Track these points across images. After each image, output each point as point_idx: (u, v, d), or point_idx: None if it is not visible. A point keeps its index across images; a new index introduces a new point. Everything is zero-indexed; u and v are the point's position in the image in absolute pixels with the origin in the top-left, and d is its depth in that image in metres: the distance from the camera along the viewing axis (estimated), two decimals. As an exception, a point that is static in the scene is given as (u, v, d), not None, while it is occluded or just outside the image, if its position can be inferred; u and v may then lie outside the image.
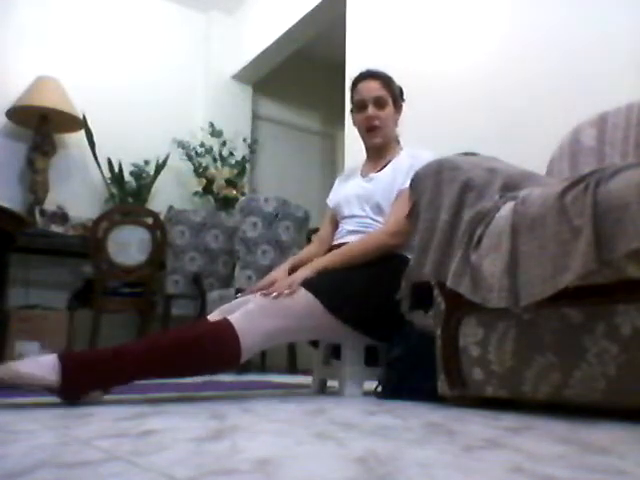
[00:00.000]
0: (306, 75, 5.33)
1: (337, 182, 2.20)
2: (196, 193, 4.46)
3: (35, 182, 3.78)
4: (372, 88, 1.94)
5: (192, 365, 1.47)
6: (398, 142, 2.07)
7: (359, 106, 1.97)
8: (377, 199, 1.92)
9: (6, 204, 2.75)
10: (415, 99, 3.01)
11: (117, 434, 0.90)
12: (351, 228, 1.95)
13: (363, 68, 2.04)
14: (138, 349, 1.42)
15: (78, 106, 3.94)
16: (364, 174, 2.05)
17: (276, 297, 1.61)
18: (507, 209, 1.31)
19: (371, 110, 1.93)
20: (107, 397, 1.44)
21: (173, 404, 1.41)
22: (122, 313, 3.74)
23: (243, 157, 4.60)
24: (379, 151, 2.02)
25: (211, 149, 4.50)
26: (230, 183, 4.41)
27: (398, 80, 2.03)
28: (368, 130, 1.96)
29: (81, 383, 1.34)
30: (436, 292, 1.48)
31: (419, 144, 2.62)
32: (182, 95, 4.74)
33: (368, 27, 3.47)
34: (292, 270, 1.88)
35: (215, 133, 4.53)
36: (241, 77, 4.92)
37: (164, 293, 3.70)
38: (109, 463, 0.68)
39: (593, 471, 0.67)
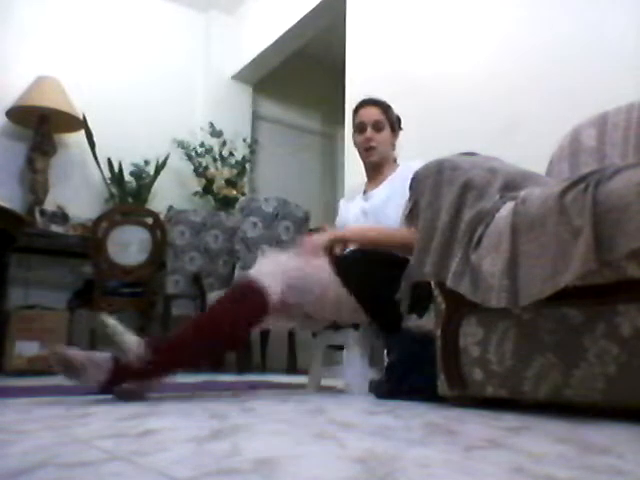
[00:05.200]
0: (306, 75, 5.33)
1: (342, 204, 2.29)
2: (196, 193, 4.46)
3: (35, 182, 3.78)
4: (372, 113, 2.11)
5: (231, 324, 1.56)
6: (395, 161, 2.18)
7: (359, 128, 2.13)
8: (373, 216, 2.02)
9: (6, 204, 2.75)
10: (414, 99, 3.02)
11: (117, 434, 0.90)
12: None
13: (361, 68, 2.06)
14: (181, 334, 1.56)
15: (78, 106, 3.93)
16: (364, 193, 2.16)
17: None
18: (507, 209, 1.31)
19: (369, 132, 2.10)
20: (107, 397, 1.45)
21: (173, 404, 1.41)
22: (122, 313, 3.73)
23: (243, 157, 4.60)
24: (376, 169, 2.14)
25: (211, 149, 4.50)
26: (230, 183, 4.41)
27: (397, 79, 2.05)
28: (366, 149, 2.12)
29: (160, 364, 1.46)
30: (436, 292, 1.48)
31: (419, 144, 2.63)
32: (182, 95, 4.74)
33: (368, 27, 3.46)
34: None
35: (215, 133, 4.53)
36: (241, 77, 4.91)
37: (164, 293, 3.70)
38: (109, 463, 0.68)
39: (593, 471, 0.67)
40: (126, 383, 1.44)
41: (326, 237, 1.85)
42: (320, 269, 1.76)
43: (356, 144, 2.18)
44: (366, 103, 2.15)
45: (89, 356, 1.41)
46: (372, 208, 2.04)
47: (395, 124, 2.16)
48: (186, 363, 1.57)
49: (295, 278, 1.68)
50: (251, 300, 1.59)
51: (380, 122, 2.10)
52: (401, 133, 2.19)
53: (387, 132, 2.13)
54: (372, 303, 1.80)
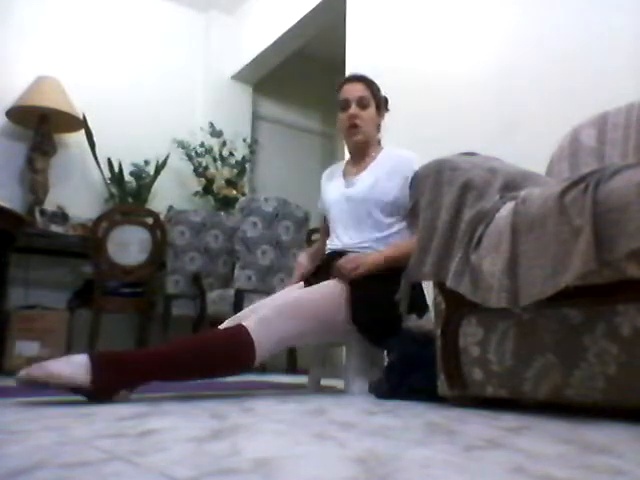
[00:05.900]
0: (306, 75, 5.33)
1: (323, 181, 2.23)
2: (196, 193, 4.46)
3: (35, 182, 3.78)
4: (356, 89, 2.01)
5: (210, 368, 1.57)
6: (379, 144, 2.11)
7: (343, 106, 2.03)
8: (361, 203, 1.97)
9: (6, 204, 2.75)
10: (415, 98, 3.02)
11: (117, 434, 0.90)
12: (338, 248, 2.00)
13: (362, 68, 2.05)
14: (163, 352, 1.50)
15: (78, 106, 3.93)
16: (346, 176, 2.09)
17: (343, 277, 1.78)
18: (507, 209, 1.31)
19: (353, 109, 1.99)
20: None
21: (173, 404, 1.41)
22: (122, 313, 3.74)
23: (243, 157, 4.60)
24: (360, 150, 2.06)
25: (211, 149, 4.50)
26: (230, 183, 4.41)
27: (398, 79, 2.05)
28: (349, 127, 2.01)
29: (111, 382, 1.39)
30: (436, 292, 1.48)
31: (419, 144, 2.63)
32: (182, 95, 4.74)
33: (368, 27, 3.46)
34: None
35: (215, 133, 4.53)
36: (241, 77, 4.91)
37: (164, 293, 3.70)
38: (109, 463, 0.68)
39: (593, 471, 0.67)
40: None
41: (368, 265, 1.80)
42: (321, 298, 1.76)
43: (340, 124, 2.07)
44: (350, 79, 2.07)
45: (52, 370, 1.31)
46: (358, 195, 1.98)
47: (381, 102, 2.06)
48: (154, 377, 1.49)
49: (291, 331, 1.70)
50: (238, 353, 1.59)
51: (365, 98, 2.00)
52: (401, 133, 2.16)
53: (372, 110, 2.02)
54: (369, 329, 1.79)
